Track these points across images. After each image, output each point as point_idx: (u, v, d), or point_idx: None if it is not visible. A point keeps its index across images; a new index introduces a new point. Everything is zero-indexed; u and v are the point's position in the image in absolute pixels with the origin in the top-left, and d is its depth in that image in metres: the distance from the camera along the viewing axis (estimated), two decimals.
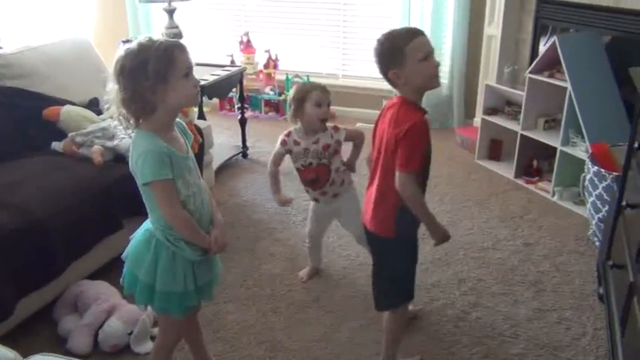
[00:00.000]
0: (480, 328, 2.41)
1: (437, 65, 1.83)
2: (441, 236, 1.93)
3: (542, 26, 3.87)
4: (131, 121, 1.63)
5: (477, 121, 4.33)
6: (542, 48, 3.81)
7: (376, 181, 1.92)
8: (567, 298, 2.59)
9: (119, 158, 2.68)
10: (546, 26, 3.84)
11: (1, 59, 2.95)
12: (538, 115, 3.65)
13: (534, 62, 3.55)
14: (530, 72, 3.54)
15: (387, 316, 2.07)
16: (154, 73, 1.56)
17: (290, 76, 4.94)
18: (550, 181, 3.54)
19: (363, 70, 4.92)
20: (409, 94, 1.85)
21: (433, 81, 1.84)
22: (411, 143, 1.77)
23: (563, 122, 3.36)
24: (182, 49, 1.63)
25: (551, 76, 3.45)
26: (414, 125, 1.77)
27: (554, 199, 3.50)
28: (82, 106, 3.04)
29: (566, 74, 3.24)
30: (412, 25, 4.48)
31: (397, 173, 1.80)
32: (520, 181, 3.74)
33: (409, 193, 1.81)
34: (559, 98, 3.38)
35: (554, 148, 3.44)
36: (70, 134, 2.82)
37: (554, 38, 3.34)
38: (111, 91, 1.62)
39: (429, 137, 1.83)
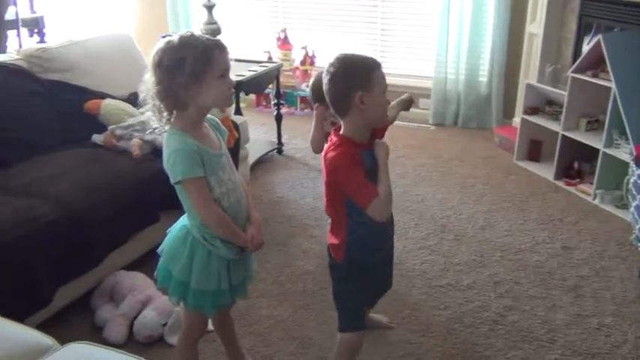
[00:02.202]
0: (516, 332, 2.36)
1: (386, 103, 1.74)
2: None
3: (586, 24, 3.77)
4: (164, 114, 1.64)
5: (517, 120, 4.24)
6: (586, 47, 3.71)
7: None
8: (608, 304, 2.52)
9: (157, 152, 2.71)
10: (590, 24, 3.74)
11: (46, 53, 3.02)
12: (580, 115, 3.56)
13: (577, 61, 3.46)
14: (573, 71, 3.46)
15: (338, 338, 1.98)
16: (190, 73, 1.56)
17: None
18: (591, 183, 3.45)
19: (401, 68, 4.85)
20: (357, 126, 1.69)
21: (383, 119, 1.75)
22: (347, 180, 1.66)
23: (606, 123, 3.28)
24: (222, 49, 1.62)
25: (594, 75, 3.36)
26: (337, 164, 1.66)
27: (596, 202, 3.40)
28: (122, 100, 3.09)
29: (610, 74, 3.15)
30: (450, 25, 4.46)
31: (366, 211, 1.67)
32: (560, 183, 3.66)
33: (383, 215, 1.69)
34: (602, 98, 3.29)
35: (597, 150, 3.36)
36: (110, 127, 2.87)
37: (599, 37, 3.25)
38: (147, 80, 1.62)
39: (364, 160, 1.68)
